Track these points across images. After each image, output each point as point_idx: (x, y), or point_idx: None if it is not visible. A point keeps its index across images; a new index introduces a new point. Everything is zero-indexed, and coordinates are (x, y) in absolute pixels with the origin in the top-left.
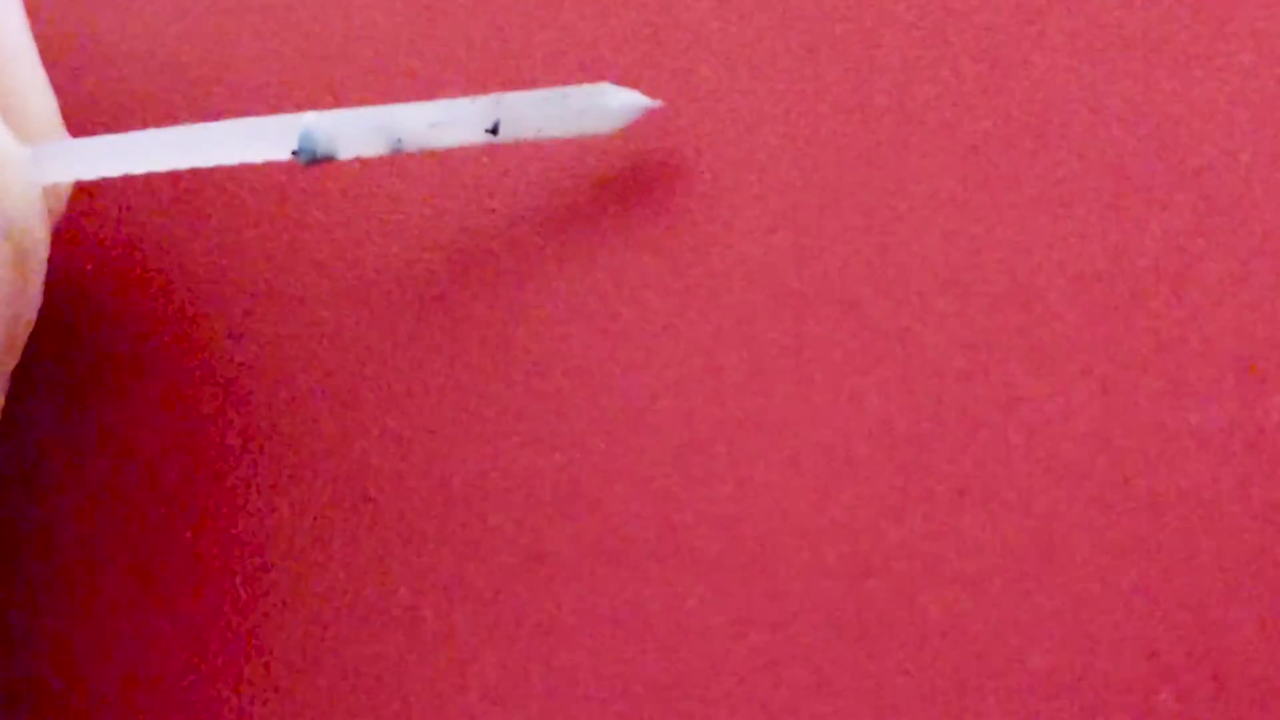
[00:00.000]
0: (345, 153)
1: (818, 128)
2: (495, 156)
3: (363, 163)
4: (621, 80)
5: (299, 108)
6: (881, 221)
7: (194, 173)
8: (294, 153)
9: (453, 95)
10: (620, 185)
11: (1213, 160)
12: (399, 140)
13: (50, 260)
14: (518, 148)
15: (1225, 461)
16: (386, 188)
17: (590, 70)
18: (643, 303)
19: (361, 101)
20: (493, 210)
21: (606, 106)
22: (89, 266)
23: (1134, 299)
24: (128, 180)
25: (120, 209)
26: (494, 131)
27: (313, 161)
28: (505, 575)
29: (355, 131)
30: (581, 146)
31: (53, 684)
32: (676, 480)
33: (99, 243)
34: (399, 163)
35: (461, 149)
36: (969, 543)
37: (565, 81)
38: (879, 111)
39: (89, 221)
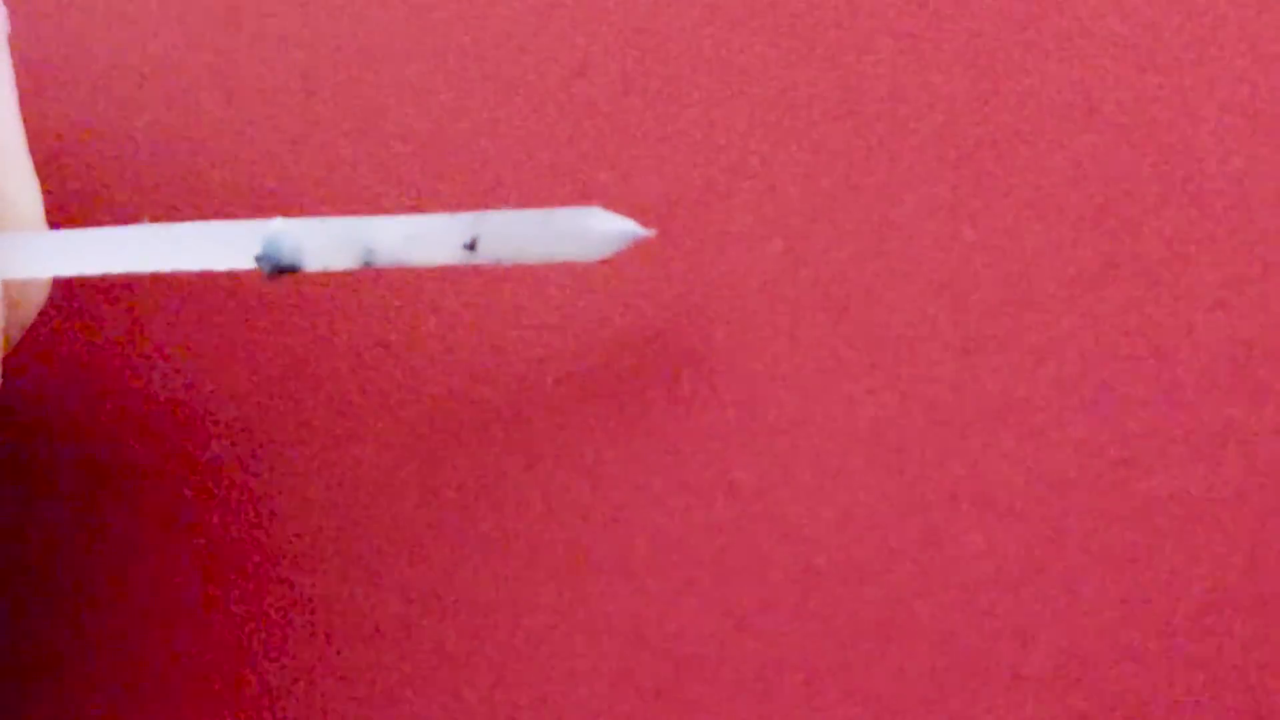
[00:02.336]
0: (312, 263)
1: (809, 134)
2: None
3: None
4: (612, 188)
5: (273, 213)
6: (874, 228)
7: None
8: (257, 259)
9: (435, 210)
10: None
11: (1206, 165)
12: (370, 252)
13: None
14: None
15: (1220, 465)
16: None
17: (580, 192)
18: (635, 310)
19: (338, 212)
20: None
21: (594, 231)
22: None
23: (1128, 303)
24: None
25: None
26: (472, 249)
27: (276, 271)
28: (498, 582)
29: (324, 241)
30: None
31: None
32: (670, 487)
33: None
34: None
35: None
36: (963, 548)
37: (554, 204)
38: (871, 118)
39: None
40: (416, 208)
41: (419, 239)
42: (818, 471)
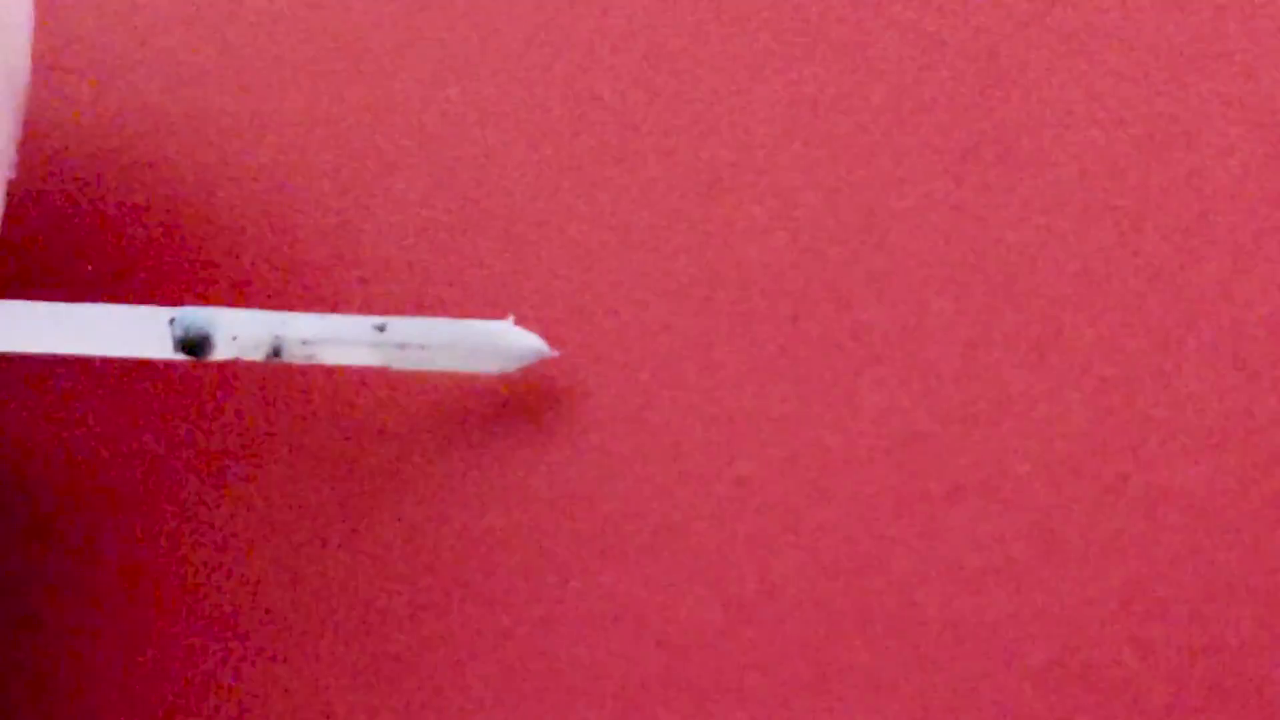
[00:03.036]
0: (221, 337)
1: (814, 129)
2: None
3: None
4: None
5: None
6: (878, 222)
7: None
8: (171, 321)
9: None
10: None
11: (1208, 161)
12: (280, 339)
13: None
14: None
15: (1221, 460)
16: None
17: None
18: (641, 303)
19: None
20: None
21: (503, 347)
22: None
23: (1130, 298)
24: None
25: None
26: (380, 353)
27: (186, 342)
28: (502, 573)
29: (235, 319)
30: None
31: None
32: (674, 478)
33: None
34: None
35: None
36: (966, 540)
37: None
38: (875, 113)
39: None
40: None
41: (330, 342)
42: (821, 462)
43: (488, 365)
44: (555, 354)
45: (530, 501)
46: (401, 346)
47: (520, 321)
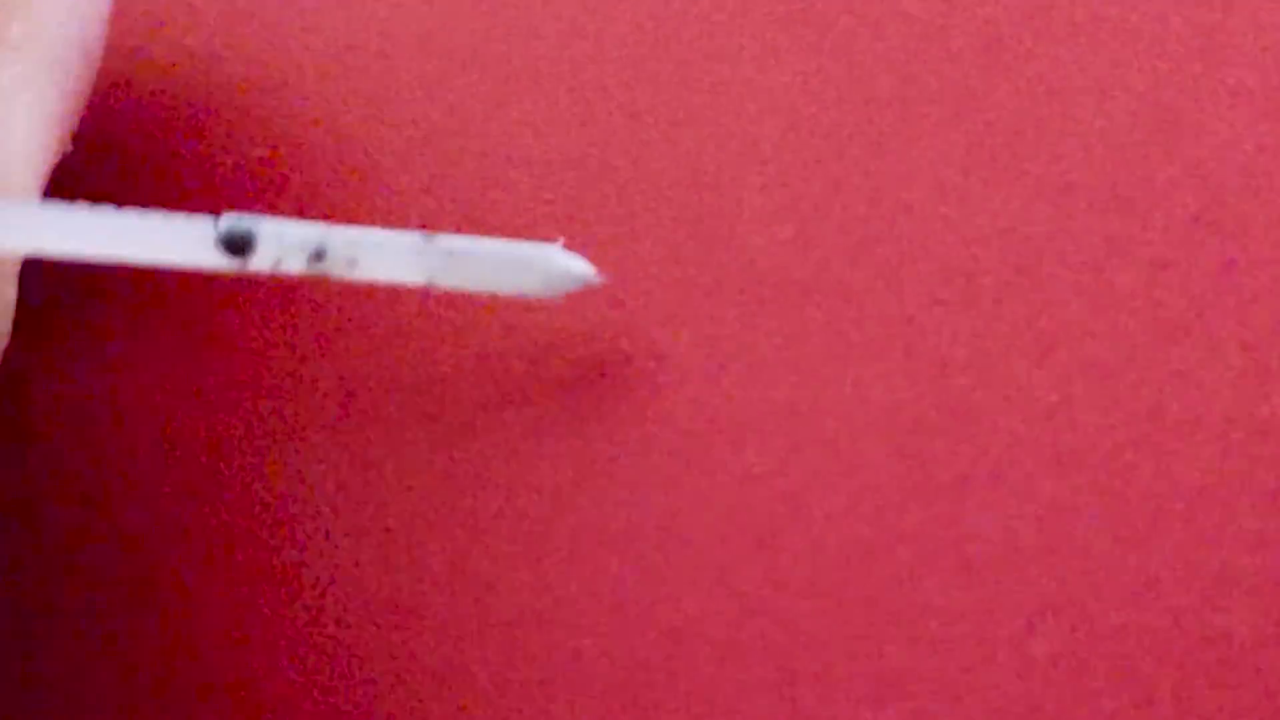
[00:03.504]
0: (267, 237)
1: (821, 119)
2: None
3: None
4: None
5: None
6: (885, 212)
7: None
8: (215, 226)
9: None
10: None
11: (1215, 151)
12: (323, 250)
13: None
14: None
15: (1228, 451)
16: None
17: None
18: (646, 293)
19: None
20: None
21: (545, 269)
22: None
23: (1137, 289)
24: None
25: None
26: (426, 269)
27: (230, 240)
28: (507, 564)
29: (280, 227)
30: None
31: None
32: (679, 470)
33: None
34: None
35: None
36: (971, 532)
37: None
38: (882, 103)
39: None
40: (424, 189)
41: (374, 249)
42: (828, 454)
43: (533, 287)
44: (602, 280)
45: (533, 493)
46: (447, 257)
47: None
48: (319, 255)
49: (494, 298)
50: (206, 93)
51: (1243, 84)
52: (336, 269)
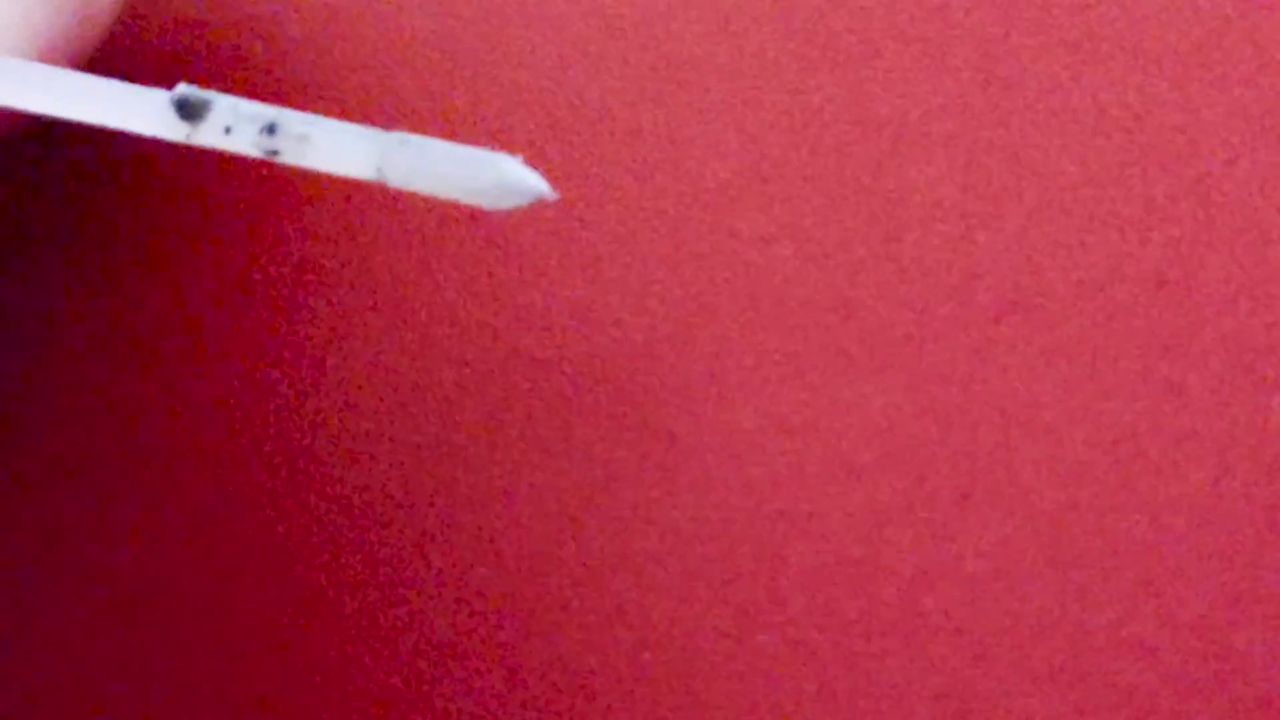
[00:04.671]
0: (221, 105)
1: (820, 138)
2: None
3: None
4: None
5: None
6: (884, 230)
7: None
8: (170, 90)
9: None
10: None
11: (1212, 168)
12: (274, 128)
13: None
14: None
15: (1226, 464)
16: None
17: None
18: (649, 311)
19: None
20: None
21: (501, 177)
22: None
23: (1135, 304)
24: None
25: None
26: (379, 163)
27: (185, 103)
28: (510, 579)
29: (235, 101)
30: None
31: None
32: (682, 484)
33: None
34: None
35: None
36: (972, 545)
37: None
38: (881, 121)
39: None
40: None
41: (327, 131)
42: (829, 469)
43: (486, 196)
44: (554, 196)
45: (535, 510)
46: (400, 147)
47: None
48: (270, 129)
49: (494, 304)
50: None
51: (1240, 102)
52: (287, 146)
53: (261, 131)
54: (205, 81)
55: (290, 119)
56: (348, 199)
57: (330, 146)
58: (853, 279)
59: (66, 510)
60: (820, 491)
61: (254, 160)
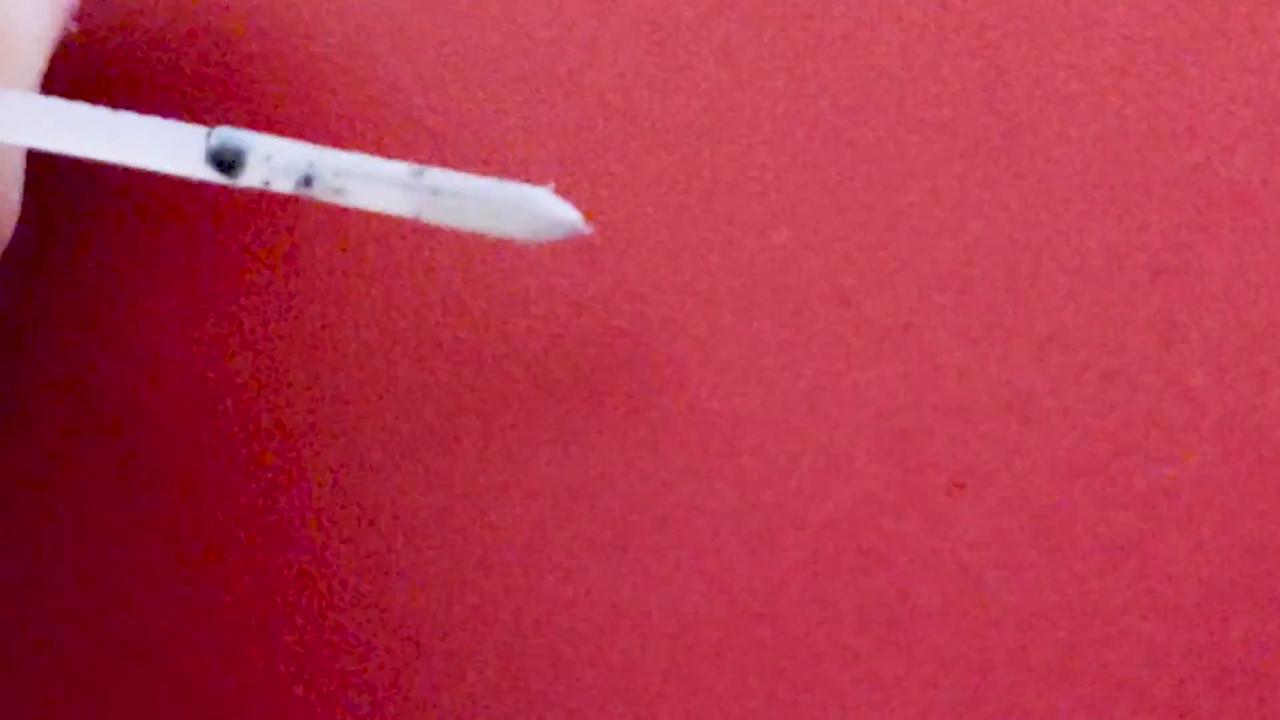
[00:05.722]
0: (256, 157)
1: (817, 124)
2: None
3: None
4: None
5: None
6: (881, 217)
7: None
8: (208, 135)
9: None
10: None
11: (1211, 155)
12: (312, 169)
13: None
14: None
15: (1225, 454)
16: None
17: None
18: (643, 299)
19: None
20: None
21: (536, 214)
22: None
23: (1134, 294)
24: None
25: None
26: (413, 201)
27: (220, 156)
28: (503, 570)
29: (271, 146)
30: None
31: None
32: (674, 475)
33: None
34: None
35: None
36: (968, 536)
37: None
38: (878, 108)
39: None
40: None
41: (363, 180)
42: (824, 458)
43: (520, 229)
44: (589, 230)
45: (528, 498)
46: (435, 193)
47: None
48: (307, 181)
49: (489, 293)
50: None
51: (1240, 87)
52: (324, 195)
53: (299, 184)
54: (205, 65)
55: (325, 170)
56: None
57: (366, 194)
58: (849, 266)
59: (64, 509)
60: (815, 481)
61: None
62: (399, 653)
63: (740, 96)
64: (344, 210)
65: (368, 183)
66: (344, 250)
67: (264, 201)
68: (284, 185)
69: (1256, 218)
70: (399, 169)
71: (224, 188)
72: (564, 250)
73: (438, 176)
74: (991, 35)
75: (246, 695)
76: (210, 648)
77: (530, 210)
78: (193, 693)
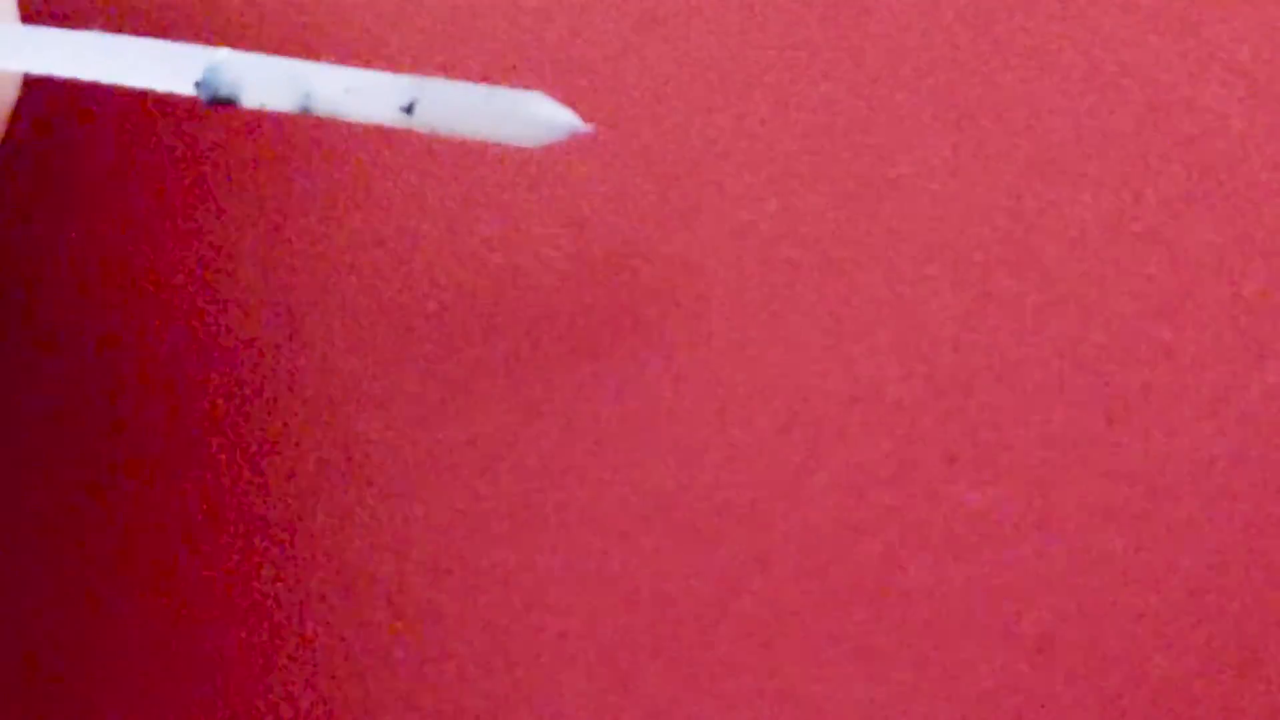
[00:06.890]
0: (250, 99)
1: (809, 94)
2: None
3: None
4: (570, 85)
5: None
6: (874, 188)
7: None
8: (196, 85)
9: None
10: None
11: (1206, 127)
12: (309, 97)
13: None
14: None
15: (1220, 427)
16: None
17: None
18: (630, 270)
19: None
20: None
21: (532, 116)
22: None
23: (1128, 264)
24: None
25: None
26: (409, 111)
27: (214, 101)
28: (492, 544)
29: (264, 77)
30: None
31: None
32: (665, 448)
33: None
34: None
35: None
36: (960, 509)
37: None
38: (871, 77)
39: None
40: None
41: (359, 91)
42: (815, 431)
43: (517, 134)
44: (588, 129)
45: (518, 471)
46: (433, 102)
47: None
48: (305, 97)
49: (475, 263)
50: None
51: (1234, 60)
52: (321, 110)
53: (296, 106)
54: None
55: (319, 101)
56: (326, 158)
57: (362, 110)
58: (840, 238)
59: (61, 506)
60: (805, 453)
61: (237, 125)
62: (385, 627)
63: (731, 67)
64: (328, 175)
65: (365, 95)
66: (328, 219)
67: (253, 172)
68: (282, 106)
69: (1251, 188)
70: (394, 84)
71: (206, 151)
72: (551, 220)
73: (434, 87)
74: (985, 5)
75: (244, 678)
76: (205, 634)
77: (527, 113)
78: (195, 684)
